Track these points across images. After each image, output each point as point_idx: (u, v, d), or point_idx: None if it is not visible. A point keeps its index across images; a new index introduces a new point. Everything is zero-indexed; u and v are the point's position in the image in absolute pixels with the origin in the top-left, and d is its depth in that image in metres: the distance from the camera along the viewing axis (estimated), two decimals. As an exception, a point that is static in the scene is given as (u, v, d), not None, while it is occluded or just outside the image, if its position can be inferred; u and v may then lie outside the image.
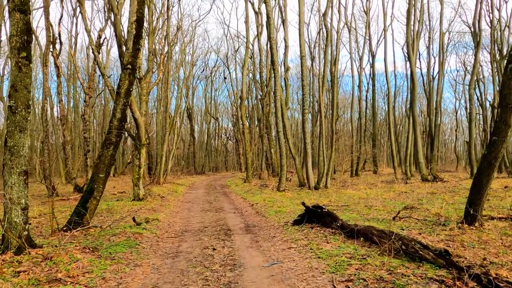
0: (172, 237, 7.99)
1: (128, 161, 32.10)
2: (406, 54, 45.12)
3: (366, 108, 41.42)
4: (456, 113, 53.40)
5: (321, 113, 16.63)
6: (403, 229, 7.40)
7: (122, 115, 8.10)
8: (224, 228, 8.90)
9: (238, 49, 37.70)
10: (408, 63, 35.53)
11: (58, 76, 19.98)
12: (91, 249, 6.12)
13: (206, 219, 10.55)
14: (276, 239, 7.25)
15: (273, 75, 16.91)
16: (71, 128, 33.20)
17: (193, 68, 49.45)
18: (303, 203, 8.03)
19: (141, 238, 7.46)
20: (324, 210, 7.50)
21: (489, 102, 43.73)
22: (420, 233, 6.92)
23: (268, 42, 16.72)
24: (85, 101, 19.10)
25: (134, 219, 8.59)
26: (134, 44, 8.05)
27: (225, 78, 51.01)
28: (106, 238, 7.21)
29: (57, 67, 19.76)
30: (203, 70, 53.05)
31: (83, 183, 20.14)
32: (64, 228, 7.63)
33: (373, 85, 35.24)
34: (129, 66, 8.06)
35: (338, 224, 6.89)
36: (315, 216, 7.77)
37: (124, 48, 12.14)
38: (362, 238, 6.31)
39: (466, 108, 50.29)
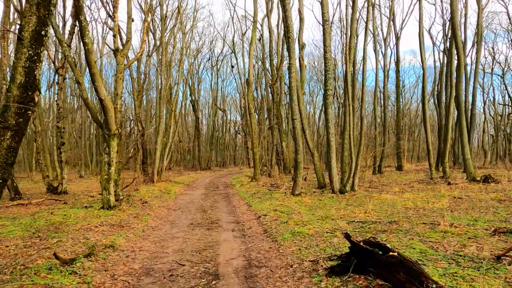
0: (115, 293, 4.53)
1: (130, 155, 28.65)
2: (432, 39, 40.60)
3: (383, 99, 37.46)
4: (484, 104, 49.09)
5: (347, 95, 12.92)
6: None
7: (28, 78, 4.62)
8: (211, 269, 5.40)
9: (245, 32, 33.96)
10: (434, 49, 31.13)
11: (28, 54, 16.60)
12: None
13: (189, 244, 7.07)
14: (302, 315, 3.70)
15: (286, 46, 13.33)
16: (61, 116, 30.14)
17: (198, 55, 46.07)
18: (347, 236, 4.45)
19: (45, 304, 4.00)
20: (392, 253, 3.92)
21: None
22: None
23: (280, 4, 13.03)
24: (57, 83, 15.72)
25: (56, 256, 5.13)
26: (44, -50, 4.52)
27: (232, 67, 47.54)
28: (-28, 308, 3.77)
29: (25, 43, 16.38)
30: (209, 58, 49.66)
31: (58, 183, 16.89)
32: None
33: (397, 71, 31.30)
34: (37, -10, 4.54)
35: (430, 292, 3.30)
36: (370, 261, 4.19)
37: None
38: None
39: (492, 101, 46.25)
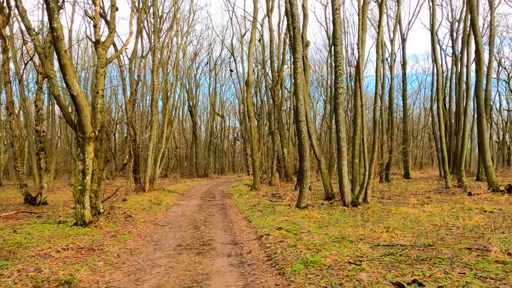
0: None
1: (124, 162, 26.78)
2: (438, 42, 39.44)
3: (389, 103, 35.99)
4: (490, 110, 47.81)
5: (360, 94, 11.38)
6: None
7: None
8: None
9: (244, 34, 32.61)
10: (440, 52, 29.50)
11: (5, 51, 15.18)
12: None
13: (172, 276, 5.48)
14: None
15: (289, 39, 11.86)
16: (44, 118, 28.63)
17: (196, 59, 44.74)
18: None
19: None
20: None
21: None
22: None
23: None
24: (36, 82, 14.20)
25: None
26: None
27: (231, 71, 46.22)
28: None
29: (3, 38, 14.95)
30: (207, 62, 48.25)
31: (37, 192, 15.28)
32: None
33: (404, 74, 29.96)
34: None
35: None
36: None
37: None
38: None
39: (498, 107, 45.23)
